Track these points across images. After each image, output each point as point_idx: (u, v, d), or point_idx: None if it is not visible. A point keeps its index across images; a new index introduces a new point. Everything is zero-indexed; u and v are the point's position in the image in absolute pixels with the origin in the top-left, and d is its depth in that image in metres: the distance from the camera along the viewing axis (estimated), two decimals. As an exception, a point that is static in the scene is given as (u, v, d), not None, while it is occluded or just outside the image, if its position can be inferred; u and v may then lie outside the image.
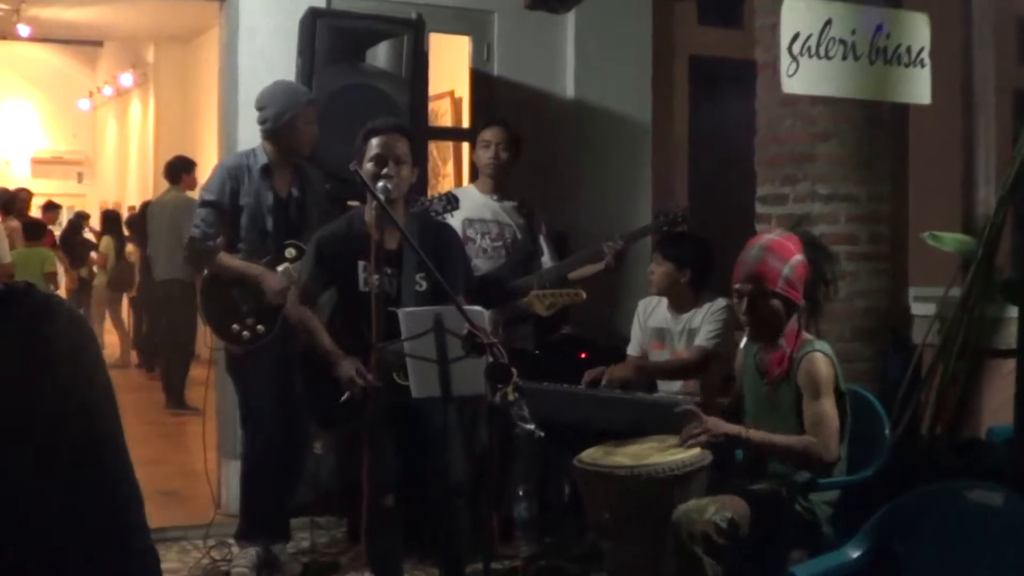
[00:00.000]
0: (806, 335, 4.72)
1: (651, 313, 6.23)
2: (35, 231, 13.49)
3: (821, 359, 4.62)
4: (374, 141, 5.19)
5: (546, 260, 6.58)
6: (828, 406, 4.55)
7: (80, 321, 1.58)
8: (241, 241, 6.02)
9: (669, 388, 6.11)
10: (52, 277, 13.37)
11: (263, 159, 6.03)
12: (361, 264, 5.16)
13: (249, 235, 6.00)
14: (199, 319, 6.22)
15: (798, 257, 4.71)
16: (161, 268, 11.20)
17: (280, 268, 5.92)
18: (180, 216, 10.05)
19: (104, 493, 1.57)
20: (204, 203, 6.09)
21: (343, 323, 5.26)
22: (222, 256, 5.99)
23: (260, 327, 5.94)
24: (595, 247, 6.53)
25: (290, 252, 5.93)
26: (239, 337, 5.96)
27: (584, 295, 5.80)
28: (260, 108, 6.06)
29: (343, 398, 5.09)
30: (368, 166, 5.13)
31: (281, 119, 5.97)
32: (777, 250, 4.73)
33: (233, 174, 6.02)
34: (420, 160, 5.76)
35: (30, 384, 1.50)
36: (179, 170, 10.96)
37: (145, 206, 12.60)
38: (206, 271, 6.14)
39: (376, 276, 5.05)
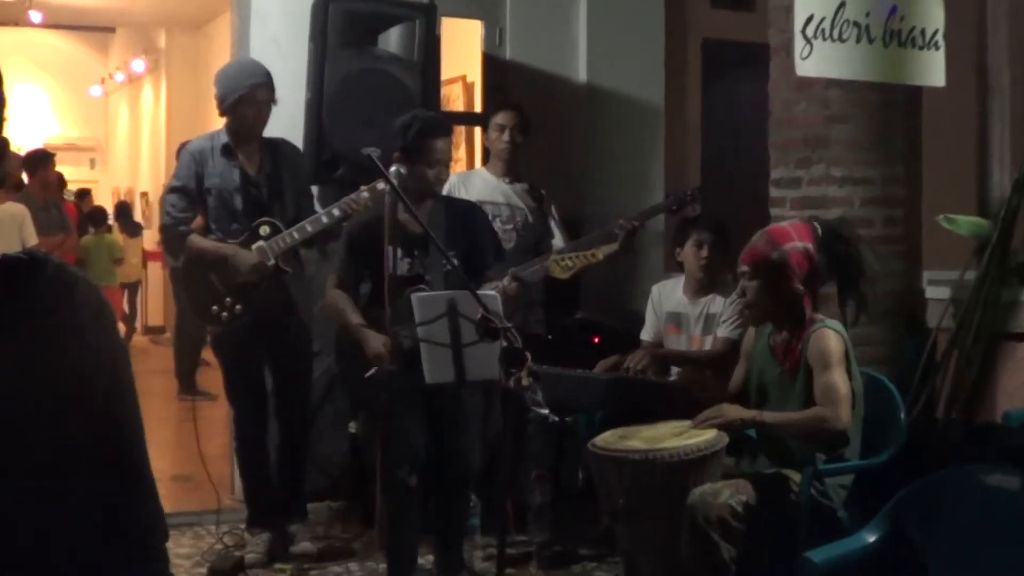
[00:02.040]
0: (816, 316, 4.73)
1: (666, 297, 6.22)
2: (99, 218, 13.77)
3: (831, 334, 4.64)
4: (434, 143, 5.34)
5: (557, 242, 6.58)
6: (837, 376, 4.57)
7: (97, 289, 1.60)
8: (212, 222, 6.04)
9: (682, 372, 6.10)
10: (119, 263, 13.57)
11: (223, 138, 6.05)
12: (391, 250, 5.27)
13: (219, 216, 6.03)
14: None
15: (796, 244, 4.70)
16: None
17: (255, 246, 5.92)
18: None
19: (125, 447, 1.59)
20: (171, 189, 6.16)
21: (378, 309, 5.30)
22: (192, 239, 6.04)
23: (238, 307, 5.95)
24: (607, 228, 6.52)
25: (264, 230, 5.94)
26: (218, 318, 5.99)
27: (601, 256, 5.77)
28: (215, 88, 6.10)
29: (368, 373, 5.21)
30: (419, 165, 5.31)
31: (226, 102, 5.99)
32: (773, 235, 4.78)
33: (197, 157, 6.07)
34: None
35: (63, 342, 1.52)
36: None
37: None
38: (182, 257, 6.17)
39: (407, 260, 5.26)
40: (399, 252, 5.31)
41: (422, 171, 5.35)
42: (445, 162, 5.44)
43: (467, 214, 5.62)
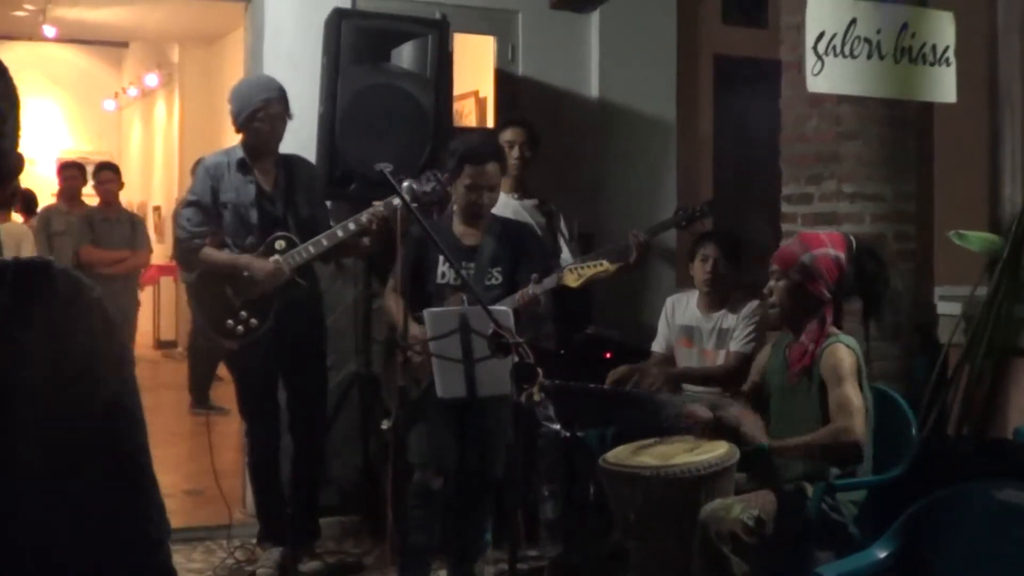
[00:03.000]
0: (832, 329, 4.73)
1: (680, 310, 6.23)
2: None
3: (843, 349, 4.64)
4: (469, 169, 5.50)
5: (566, 257, 6.58)
6: (850, 390, 4.57)
7: (101, 295, 1.62)
8: (228, 236, 6.05)
9: (695, 387, 6.10)
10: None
11: (239, 153, 6.07)
12: (440, 259, 5.47)
13: (235, 230, 6.04)
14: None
15: (828, 251, 4.72)
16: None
17: (270, 259, 5.94)
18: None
19: (128, 448, 1.60)
20: (187, 204, 6.17)
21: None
22: (206, 251, 6.04)
23: (253, 320, 5.96)
24: (617, 244, 6.55)
25: (280, 244, 5.96)
26: (233, 332, 5.99)
27: (610, 268, 5.78)
28: (229, 103, 6.14)
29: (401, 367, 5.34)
30: (461, 190, 5.52)
31: (240, 116, 6.03)
32: (805, 239, 4.83)
33: (212, 172, 6.09)
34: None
35: (70, 344, 1.53)
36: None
37: None
38: (197, 271, 6.18)
39: (454, 270, 5.40)
40: (447, 262, 5.47)
41: (464, 193, 5.52)
42: (488, 186, 5.55)
43: (518, 234, 5.78)
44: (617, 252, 6.52)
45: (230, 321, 5.96)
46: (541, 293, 5.44)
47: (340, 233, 5.87)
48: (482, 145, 5.70)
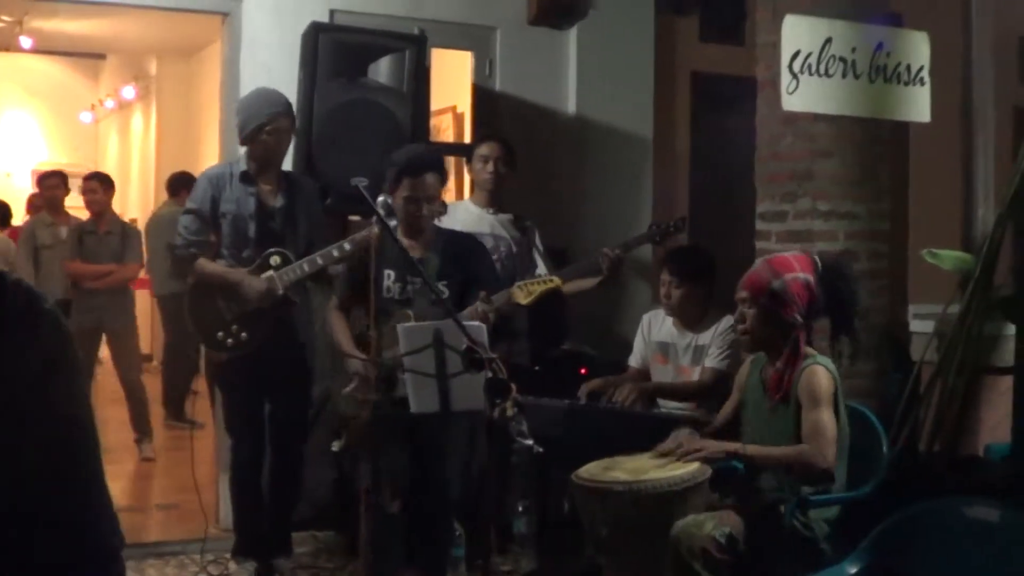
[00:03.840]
0: (808, 351, 4.73)
1: (656, 326, 6.23)
2: None
3: (822, 372, 4.64)
4: (407, 182, 5.45)
5: (541, 272, 6.58)
6: (825, 415, 4.57)
7: (55, 308, 1.61)
8: (224, 248, 6.05)
9: (669, 403, 6.11)
10: None
11: (242, 165, 6.08)
12: (386, 272, 5.45)
13: (232, 242, 6.04)
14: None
15: (798, 275, 4.71)
16: (160, 283, 11.05)
17: (264, 275, 5.93)
18: (175, 230, 9.95)
19: (80, 458, 1.59)
20: (187, 211, 6.16)
21: (369, 330, 5.37)
22: (201, 262, 6.03)
23: (244, 334, 5.96)
24: (590, 259, 6.57)
25: (275, 260, 5.95)
26: (223, 344, 5.98)
27: (559, 281, 5.75)
28: (236, 116, 6.13)
29: (346, 390, 5.40)
30: (399, 203, 5.42)
31: (246, 129, 6.03)
32: (775, 264, 4.79)
33: (214, 182, 6.09)
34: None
35: (26, 359, 1.53)
36: (179, 185, 10.79)
37: None
38: (190, 280, 6.17)
39: (399, 284, 5.45)
40: (392, 276, 5.46)
41: (402, 205, 5.44)
42: (427, 198, 5.48)
43: (466, 247, 5.71)
44: (585, 268, 6.54)
45: (220, 333, 5.96)
46: (491, 311, 5.40)
47: (336, 253, 5.85)
48: (420, 157, 5.62)
